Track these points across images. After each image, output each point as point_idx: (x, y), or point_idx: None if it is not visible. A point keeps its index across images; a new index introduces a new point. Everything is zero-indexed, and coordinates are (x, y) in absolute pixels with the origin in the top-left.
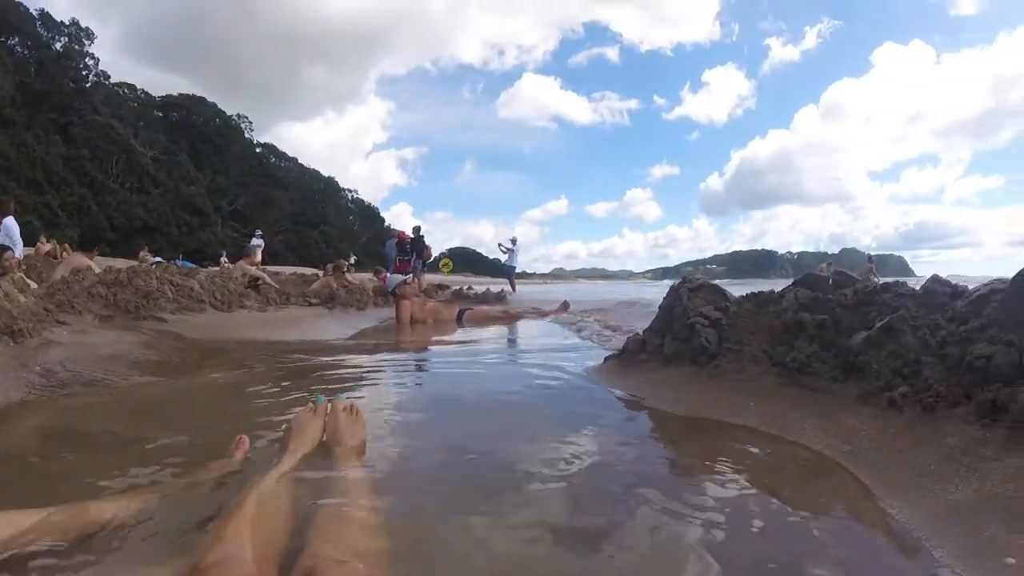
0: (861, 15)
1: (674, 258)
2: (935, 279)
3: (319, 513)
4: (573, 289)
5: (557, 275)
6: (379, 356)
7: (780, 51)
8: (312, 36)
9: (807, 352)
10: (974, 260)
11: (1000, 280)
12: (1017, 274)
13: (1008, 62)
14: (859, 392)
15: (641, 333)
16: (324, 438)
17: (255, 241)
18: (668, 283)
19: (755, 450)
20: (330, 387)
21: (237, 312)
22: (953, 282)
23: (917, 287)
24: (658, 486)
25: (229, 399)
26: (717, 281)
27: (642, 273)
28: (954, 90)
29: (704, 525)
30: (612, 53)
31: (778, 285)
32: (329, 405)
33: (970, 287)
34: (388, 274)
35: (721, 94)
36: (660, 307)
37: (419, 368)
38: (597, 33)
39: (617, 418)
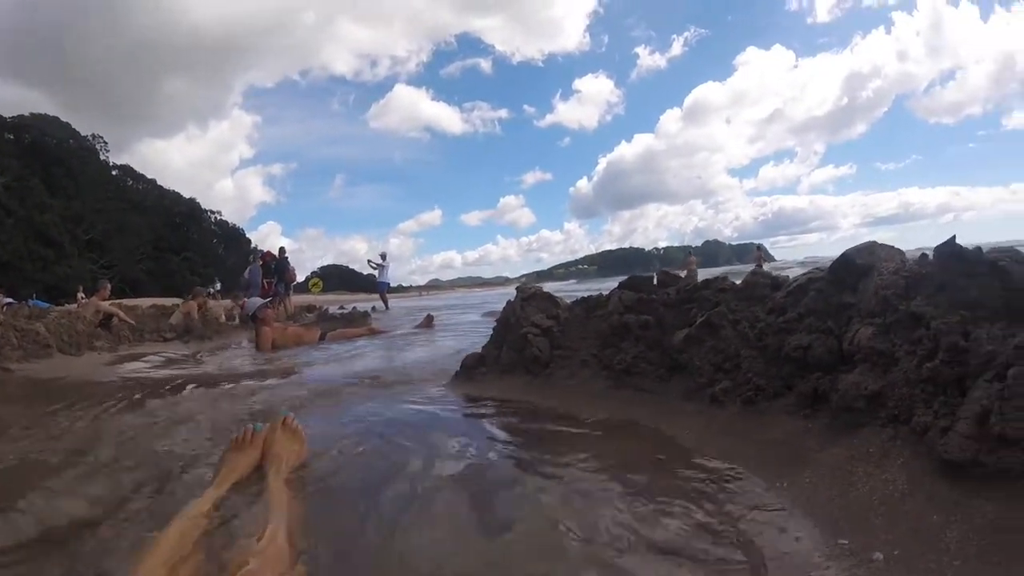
0: (726, 23)
1: (548, 261)
2: (754, 272)
3: (240, 547)
4: (438, 303)
5: (434, 286)
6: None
7: (648, 59)
8: (174, 46)
9: (633, 353)
10: (829, 242)
11: (819, 269)
12: (834, 262)
13: (860, 63)
14: (684, 390)
15: (480, 349)
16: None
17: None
18: (547, 285)
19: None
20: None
21: (87, 355)
22: (774, 273)
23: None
24: None
25: None
26: (587, 281)
27: (517, 278)
28: (810, 90)
29: None
30: (485, 64)
31: None
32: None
33: (791, 276)
34: (247, 299)
35: (591, 101)
36: (497, 320)
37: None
38: (470, 44)
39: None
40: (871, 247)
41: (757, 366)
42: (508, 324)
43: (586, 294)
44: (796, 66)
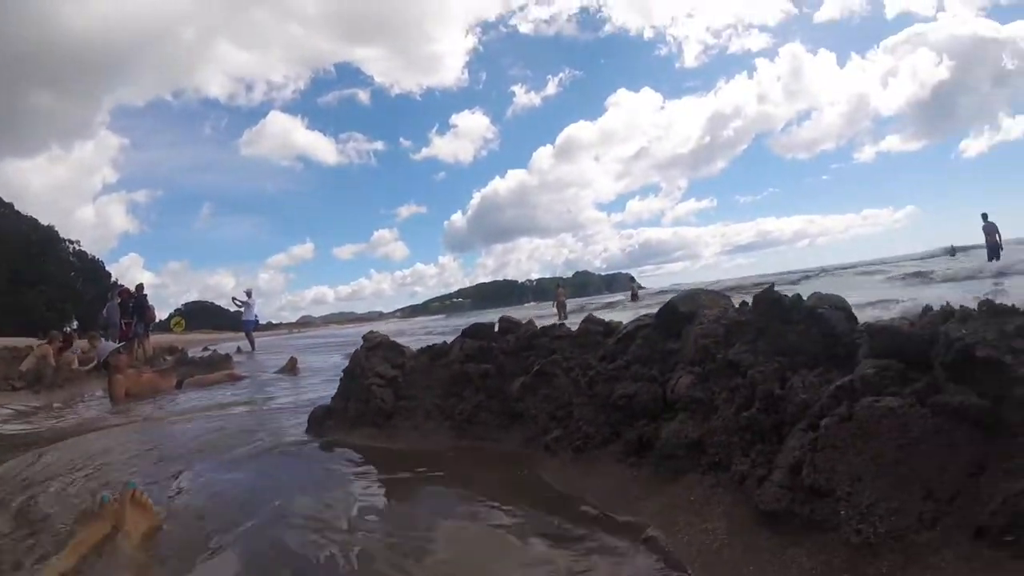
0: (599, 65)
1: (423, 295)
2: (589, 319)
3: None
4: (308, 341)
5: (305, 323)
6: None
7: (524, 97)
8: (44, 56)
9: (474, 402)
10: (693, 269)
11: (647, 315)
12: (660, 309)
13: (723, 105)
14: (523, 438)
15: (330, 400)
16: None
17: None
18: (421, 319)
19: None
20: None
21: None
22: (606, 319)
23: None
24: None
25: None
26: (460, 314)
27: (392, 313)
28: (675, 129)
29: None
30: (363, 94)
31: (519, 311)
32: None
33: (624, 322)
34: (103, 342)
35: (467, 136)
36: (344, 371)
37: None
38: (349, 74)
39: None
40: (695, 294)
41: (587, 414)
42: (353, 375)
43: (461, 325)
44: (663, 107)
